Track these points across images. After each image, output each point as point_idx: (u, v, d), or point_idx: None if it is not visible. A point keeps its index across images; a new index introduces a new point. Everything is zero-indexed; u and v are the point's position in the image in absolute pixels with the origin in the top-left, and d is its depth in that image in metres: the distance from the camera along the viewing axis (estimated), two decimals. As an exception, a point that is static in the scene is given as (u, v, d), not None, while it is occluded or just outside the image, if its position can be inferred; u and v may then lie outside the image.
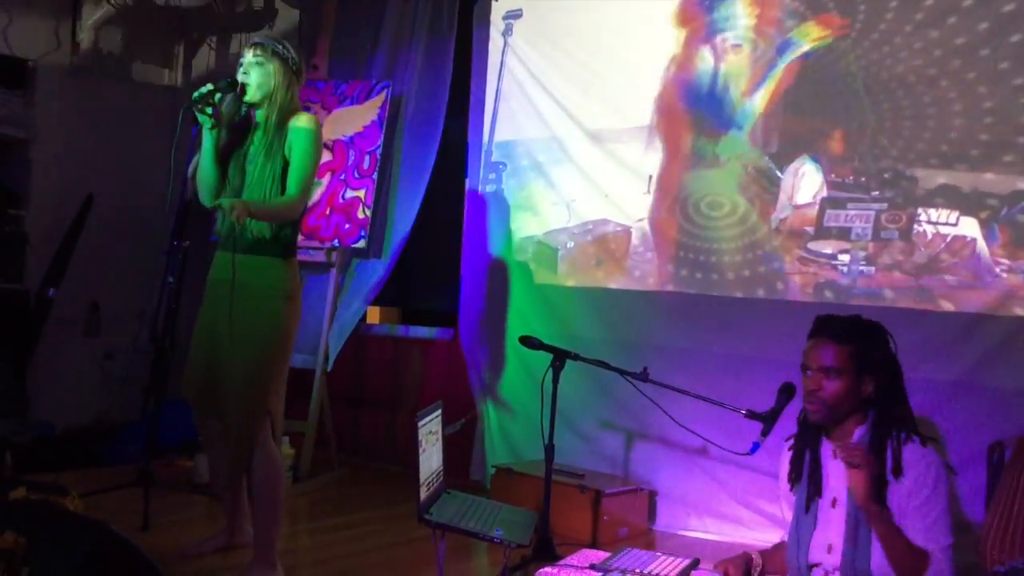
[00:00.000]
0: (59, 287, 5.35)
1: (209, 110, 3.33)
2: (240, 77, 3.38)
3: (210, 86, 3.34)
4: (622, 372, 3.80)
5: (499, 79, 5.32)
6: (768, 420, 3.03)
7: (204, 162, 3.41)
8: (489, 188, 5.36)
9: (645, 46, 4.84)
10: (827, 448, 2.62)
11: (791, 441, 2.77)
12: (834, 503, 2.54)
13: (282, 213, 3.36)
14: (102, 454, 5.26)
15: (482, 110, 5.38)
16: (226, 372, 3.36)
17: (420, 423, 2.91)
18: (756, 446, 3.02)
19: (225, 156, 3.43)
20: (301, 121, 3.40)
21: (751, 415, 3.11)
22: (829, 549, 2.54)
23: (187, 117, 3.34)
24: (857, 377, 2.53)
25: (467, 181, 5.41)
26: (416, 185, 5.41)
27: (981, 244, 3.91)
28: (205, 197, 3.44)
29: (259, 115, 3.41)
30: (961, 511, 3.82)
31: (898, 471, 2.46)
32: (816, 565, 2.56)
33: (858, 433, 2.53)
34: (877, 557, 2.47)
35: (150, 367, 4.73)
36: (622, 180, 4.87)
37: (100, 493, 4.17)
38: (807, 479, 2.64)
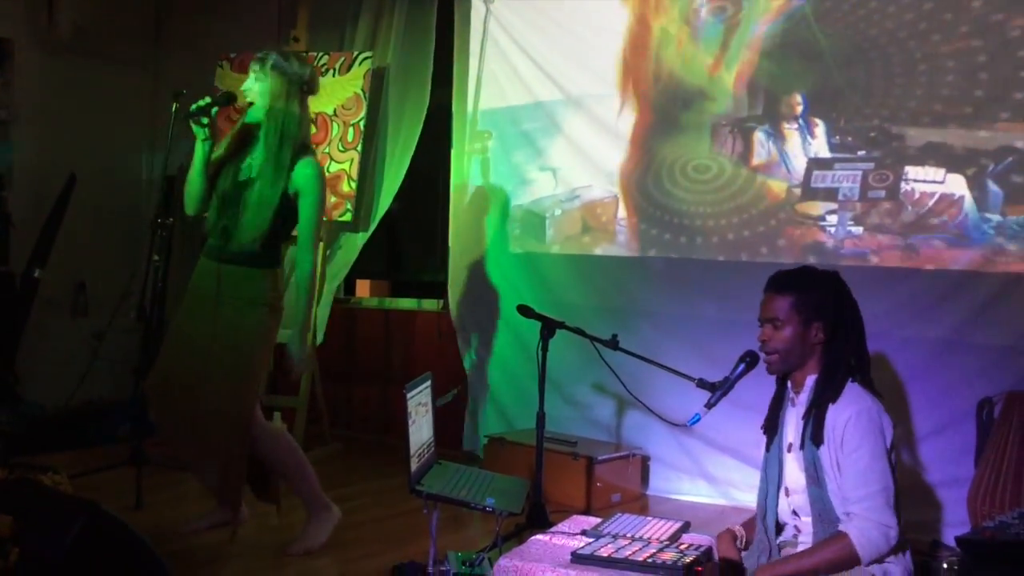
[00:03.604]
0: (45, 268, 5.32)
1: (205, 120, 3.37)
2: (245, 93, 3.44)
3: (208, 99, 3.38)
4: (592, 339, 3.83)
5: (482, 47, 5.26)
6: (720, 389, 2.96)
7: (193, 173, 3.45)
8: (475, 157, 5.32)
9: (626, 10, 4.79)
10: (789, 395, 2.65)
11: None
12: (789, 448, 2.57)
13: (312, 291, 3.51)
14: (93, 434, 5.25)
15: (466, 78, 5.33)
16: (207, 384, 3.38)
17: (409, 395, 2.90)
18: (696, 418, 2.98)
19: (214, 167, 3.48)
20: (308, 168, 3.39)
21: (702, 384, 3.02)
22: (787, 492, 2.57)
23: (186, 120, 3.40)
24: (803, 324, 2.55)
25: (453, 150, 5.37)
26: (402, 156, 5.38)
27: (968, 201, 3.91)
28: (190, 207, 3.51)
29: (260, 131, 3.42)
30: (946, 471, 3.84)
31: (833, 398, 2.49)
32: (782, 525, 2.59)
33: (809, 381, 2.56)
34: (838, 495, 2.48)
35: (138, 346, 4.71)
36: (607, 146, 4.84)
37: (92, 473, 4.17)
38: (769, 424, 2.69)
